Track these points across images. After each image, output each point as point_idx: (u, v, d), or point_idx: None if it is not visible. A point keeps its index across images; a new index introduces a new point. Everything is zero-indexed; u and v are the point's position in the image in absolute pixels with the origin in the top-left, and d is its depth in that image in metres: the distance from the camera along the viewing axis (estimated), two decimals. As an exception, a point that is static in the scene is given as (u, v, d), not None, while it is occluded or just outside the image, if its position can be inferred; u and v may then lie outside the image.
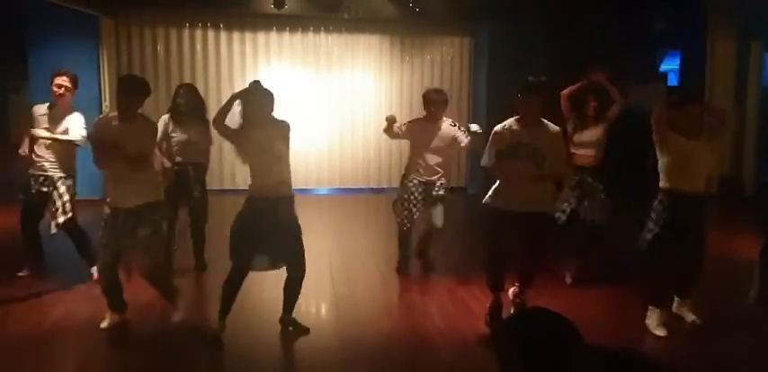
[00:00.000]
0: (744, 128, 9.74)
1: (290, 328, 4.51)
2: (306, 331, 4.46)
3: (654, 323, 4.49)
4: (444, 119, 5.64)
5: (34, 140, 5.42)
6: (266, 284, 4.90)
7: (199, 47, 9.92)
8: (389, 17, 9.72)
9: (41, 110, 5.59)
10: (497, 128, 4.38)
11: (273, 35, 10.11)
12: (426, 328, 4.59)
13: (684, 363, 4.03)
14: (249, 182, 4.25)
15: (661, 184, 4.49)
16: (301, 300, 5.07)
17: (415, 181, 5.61)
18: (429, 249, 6.02)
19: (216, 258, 5.54)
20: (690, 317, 4.65)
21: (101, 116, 4.62)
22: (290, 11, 9.19)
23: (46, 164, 5.41)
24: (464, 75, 10.54)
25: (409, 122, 5.88)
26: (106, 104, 8.95)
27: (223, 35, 9.98)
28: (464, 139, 5.57)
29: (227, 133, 4.15)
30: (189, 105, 5.62)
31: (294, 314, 4.61)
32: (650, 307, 4.53)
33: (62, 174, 5.41)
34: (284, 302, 4.51)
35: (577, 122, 5.49)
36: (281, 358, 4.35)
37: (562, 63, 9.41)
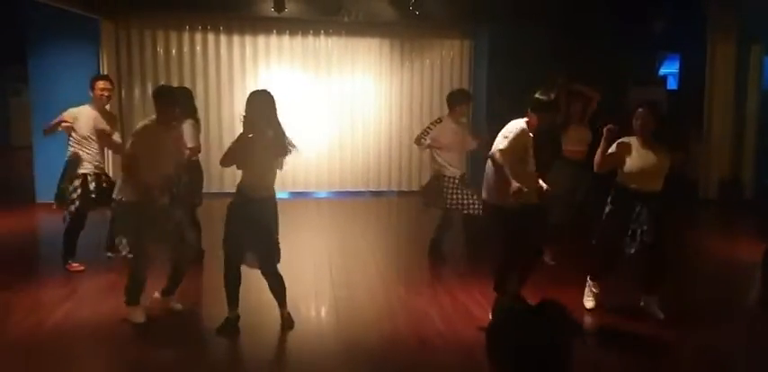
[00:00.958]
0: (744, 132, 9.75)
1: (280, 321, 4.60)
2: (290, 326, 4.56)
3: (586, 292, 4.97)
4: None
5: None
6: (266, 285, 4.88)
7: (199, 50, 9.92)
8: (389, 20, 9.72)
9: (87, 111, 5.70)
10: (517, 131, 4.46)
11: (273, 38, 10.11)
12: (427, 331, 4.57)
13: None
14: (239, 181, 4.48)
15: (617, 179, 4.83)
16: (302, 302, 5.09)
17: (458, 174, 6.19)
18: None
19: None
20: (656, 314, 4.80)
21: (146, 124, 4.68)
22: (291, 14, 9.18)
23: (97, 163, 5.86)
24: (464, 78, 10.54)
25: (438, 123, 6.41)
26: (107, 107, 8.90)
27: (223, 38, 9.98)
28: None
29: (235, 162, 4.41)
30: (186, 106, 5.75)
31: (293, 316, 4.64)
32: (588, 280, 4.98)
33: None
34: (275, 299, 4.62)
35: (564, 122, 6.09)
36: (282, 360, 4.34)
37: (562, 65, 9.44)
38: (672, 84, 11.24)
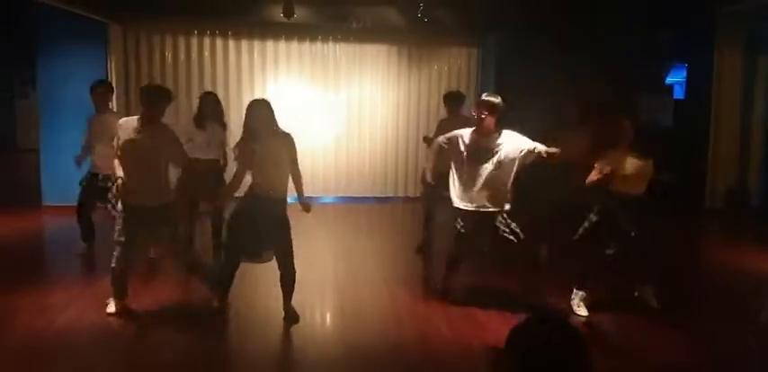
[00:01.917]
0: (750, 142, 9.74)
1: (283, 316, 4.72)
2: (295, 320, 4.70)
3: (576, 303, 5.05)
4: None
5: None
6: (274, 290, 4.88)
7: (207, 54, 9.95)
8: (397, 27, 9.75)
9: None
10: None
11: (282, 44, 10.14)
12: (432, 337, 4.56)
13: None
14: (249, 183, 4.68)
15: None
16: (307, 308, 5.09)
17: None
18: None
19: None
20: (651, 302, 5.12)
21: (121, 122, 4.81)
22: (299, 20, 9.22)
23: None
24: (471, 86, 10.55)
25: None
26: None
27: (231, 43, 10.01)
28: None
29: (241, 172, 4.69)
30: (208, 111, 6.56)
31: (300, 323, 4.69)
32: (574, 290, 5.09)
33: None
34: (283, 296, 4.77)
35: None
36: (287, 365, 4.33)
37: (569, 74, 9.45)
38: (678, 93, 11.23)
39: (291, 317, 4.74)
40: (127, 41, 9.67)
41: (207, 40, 9.94)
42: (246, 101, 9.83)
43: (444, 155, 5.15)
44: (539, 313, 4.39)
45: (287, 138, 4.66)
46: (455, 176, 5.07)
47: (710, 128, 9.58)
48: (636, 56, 9.68)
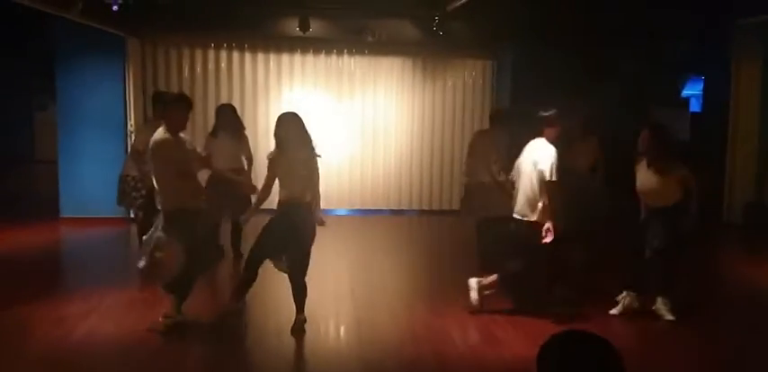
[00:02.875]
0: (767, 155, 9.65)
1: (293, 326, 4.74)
2: (298, 333, 4.71)
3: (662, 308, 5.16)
4: None
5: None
6: (289, 302, 4.87)
7: (224, 67, 10.03)
8: (413, 40, 9.79)
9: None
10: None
11: (297, 57, 10.20)
12: (449, 354, 4.53)
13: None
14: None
15: None
16: (322, 322, 5.07)
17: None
18: None
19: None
20: (666, 316, 5.13)
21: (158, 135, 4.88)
22: (315, 34, 9.30)
23: None
24: (486, 98, 10.54)
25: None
26: (131, 123, 9.05)
27: (248, 56, 10.09)
28: None
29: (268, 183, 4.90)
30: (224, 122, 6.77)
31: (314, 337, 4.65)
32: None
33: None
34: (295, 303, 4.80)
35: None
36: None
37: (585, 86, 9.44)
38: (695, 107, 11.18)
39: (295, 330, 4.73)
40: (145, 54, 9.77)
41: (224, 53, 10.02)
42: (262, 113, 10.05)
43: None
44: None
45: (313, 152, 4.84)
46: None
47: (728, 141, 9.50)
48: (652, 68, 9.66)
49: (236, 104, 9.95)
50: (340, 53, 10.28)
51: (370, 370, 4.26)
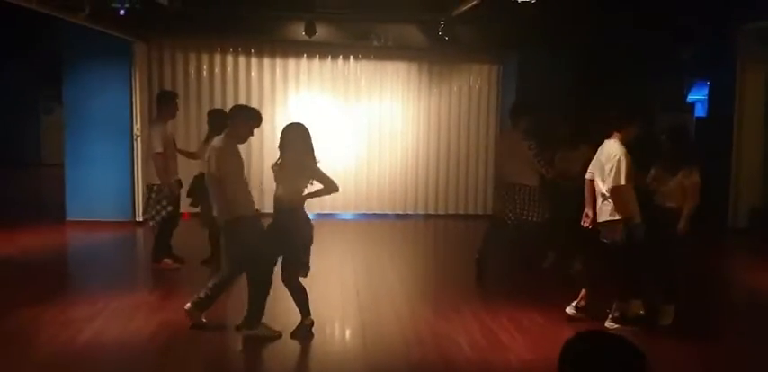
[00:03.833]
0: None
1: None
2: (307, 336, 4.72)
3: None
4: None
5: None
6: (293, 305, 4.88)
7: (230, 72, 10.07)
8: (418, 45, 9.80)
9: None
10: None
11: (304, 61, 10.23)
12: (455, 357, 4.52)
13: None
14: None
15: None
16: (328, 326, 5.07)
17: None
18: None
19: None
20: (664, 320, 5.15)
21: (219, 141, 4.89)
22: (321, 38, 9.32)
23: None
24: (492, 103, 10.56)
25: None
26: (138, 127, 9.08)
27: (254, 61, 10.12)
28: None
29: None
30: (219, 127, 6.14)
31: (320, 341, 4.65)
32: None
33: None
34: (297, 308, 4.84)
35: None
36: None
37: (591, 90, 9.44)
38: (700, 111, 11.15)
39: (301, 334, 4.74)
40: (151, 58, 9.81)
41: (230, 58, 10.06)
42: (268, 117, 10.05)
43: None
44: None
45: (306, 164, 4.76)
46: None
47: (733, 146, 9.49)
48: (657, 73, 9.65)
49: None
50: (346, 58, 10.30)
51: (376, 374, 4.26)
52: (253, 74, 10.12)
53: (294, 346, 4.68)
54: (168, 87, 9.88)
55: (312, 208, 10.11)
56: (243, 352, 4.64)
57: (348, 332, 5.17)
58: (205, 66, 10.01)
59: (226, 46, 10.00)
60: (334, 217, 10.26)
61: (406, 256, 8.04)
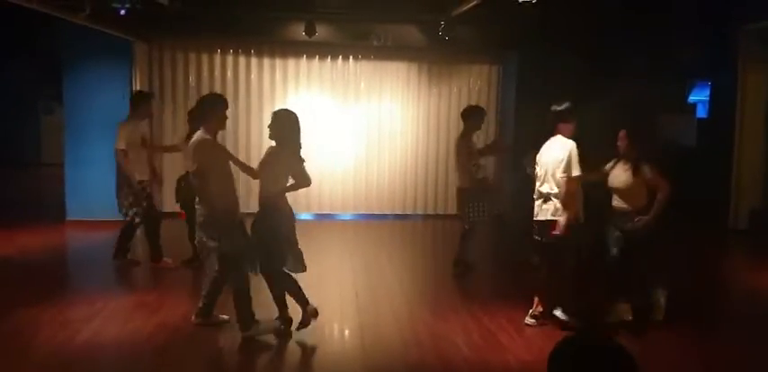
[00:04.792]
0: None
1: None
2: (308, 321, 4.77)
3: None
4: None
5: None
6: (295, 307, 4.87)
7: (230, 71, 10.06)
8: (418, 45, 9.80)
9: None
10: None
11: (303, 61, 10.23)
12: (453, 358, 4.51)
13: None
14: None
15: None
16: (326, 326, 5.06)
17: None
18: None
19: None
20: (626, 316, 5.12)
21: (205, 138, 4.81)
22: (321, 38, 9.31)
23: None
24: (491, 103, 10.54)
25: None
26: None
27: (254, 61, 10.12)
28: None
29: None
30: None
31: (318, 341, 4.68)
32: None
33: None
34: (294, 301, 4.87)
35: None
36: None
37: (591, 91, 9.41)
38: (702, 112, 11.13)
39: (304, 322, 4.80)
40: (152, 58, 9.81)
41: (230, 58, 10.06)
42: (268, 117, 10.00)
43: None
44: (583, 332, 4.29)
45: (280, 151, 4.72)
46: None
47: (734, 147, 9.47)
48: (658, 73, 9.63)
49: (241, 109, 10.03)
50: (346, 58, 10.30)
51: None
52: (253, 74, 10.12)
53: (292, 347, 4.68)
54: (168, 87, 9.90)
55: (311, 208, 10.18)
56: (241, 352, 4.63)
57: (346, 333, 5.16)
58: (205, 66, 10.01)
59: (226, 46, 10.00)
60: (333, 218, 10.26)
61: (404, 257, 8.03)
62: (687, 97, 11.26)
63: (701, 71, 10.29)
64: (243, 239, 4.78)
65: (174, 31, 9.36)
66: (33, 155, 16.18)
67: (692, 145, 10.33)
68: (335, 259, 7.33)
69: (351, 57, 10.29)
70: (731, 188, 9.48)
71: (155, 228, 6.66)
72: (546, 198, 4.95)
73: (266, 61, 10.15)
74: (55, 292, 5.80)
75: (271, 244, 4.68)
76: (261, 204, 4.76)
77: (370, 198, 10.46)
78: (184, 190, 6.26)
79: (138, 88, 9.19)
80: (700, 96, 11.17)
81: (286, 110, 4.88)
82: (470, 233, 6.63)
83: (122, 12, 7.28)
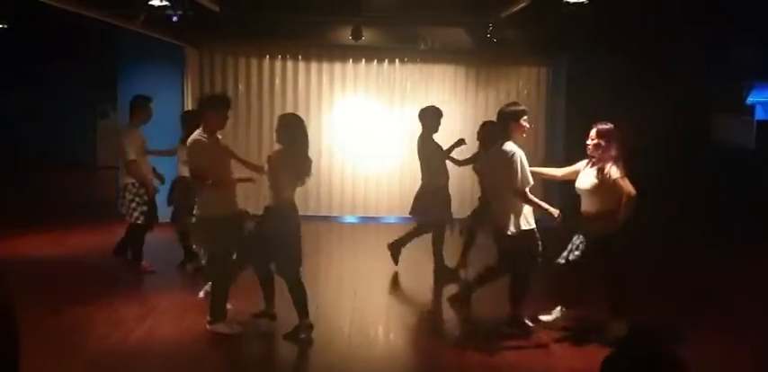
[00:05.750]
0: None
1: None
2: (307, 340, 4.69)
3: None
4: None
5: None
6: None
7: (278, 76, 10.18)
8: (465, 47, 9.72)
9: None
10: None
11: (350, 65, 10.27)
12: (499, 364, 4.45)
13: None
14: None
15: None
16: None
17: None
18: None
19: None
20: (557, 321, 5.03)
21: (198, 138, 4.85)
22: (368, 42, 9.32)
23: None
24: (541, 106, 10.38)
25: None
26: (188, 130, 9.23)
27: (301, 65, 10.21)
28: None
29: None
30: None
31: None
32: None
33: None
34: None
35: None
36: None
37: (644, 94, 9.20)
38: (761, 114, 10.75)
39: (289, 336, 4.74)
40: (203, 64, 10.00)
41: (278, 63, 10.17)
42: (314, 121, 10.11)
43: None
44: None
45: (286, 154, 4.75)
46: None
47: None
48: (715, 74, 9.35)
49: (287, 112, 10.12)
50: (392, 61, 10.29)
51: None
52: (300, 78, 10.20)
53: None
54: (218, 92, 10.06)
55: (356, 211, 10.19)
56: (295, 352, 4.65)
57: (389, 335, 5.14)
58: (254, 71, 10.15)
59: (274, 51, 10.12)
60: (378, 221, 10.23)
61: (452, 261, 7.95)
62: (745, 98, 10.90)
63: (760, 72, 9.95)
64: (235, 240, 4.80)
65: (224, 37, 9.52)
66: (89, 159, 16.64)
67: (751, 146, 9.99)
68: (378, 263, 7.29)
69: (397, 60, 10.28)
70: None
71: (143, 231, 6.68)
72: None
73: (313, 65, 10.23)
74: (108, 291, 5.94)
75: (283, 248, 4.70)
76: (269, 207, 4.77)
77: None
78: (177, 193, 6.46)
79: (189, 93, 9.38)
80: (760, 97, 10.80)
81: (292, 114, 5.08)
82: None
83: (175, 18, 7.44)
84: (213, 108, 4.85)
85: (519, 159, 4.71)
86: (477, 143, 7.03)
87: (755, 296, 6.11)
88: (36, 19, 8.68)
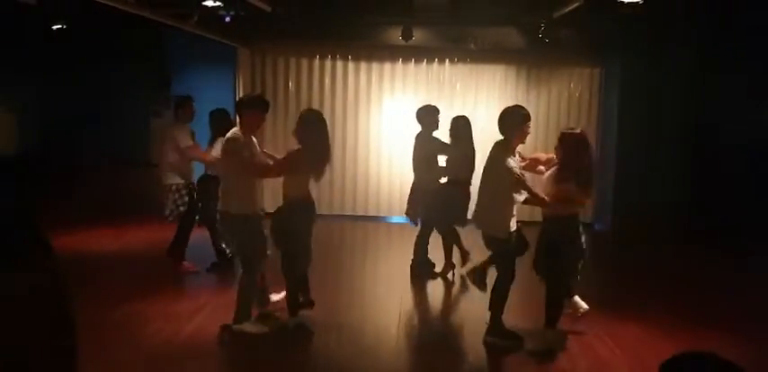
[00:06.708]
0: None
1: None
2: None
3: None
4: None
5: None
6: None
7: (328, 75, 10.24)
8: (516, 47, 9.62)
9: None
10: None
11: (399, 65, 10.27)
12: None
13: None
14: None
15: None
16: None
17: None
18: None
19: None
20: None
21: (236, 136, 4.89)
22: (417, 42, 9.31)
23: None
24: (593, 107, 10.19)
25: None
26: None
27: (351, 65, 10.25)
28: None
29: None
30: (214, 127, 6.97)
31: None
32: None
33: None
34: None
35: None
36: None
37: (699, 95, 8.95)
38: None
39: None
40: (254, 64, 10.15)
41: (328, 63, 10.24)
42: (363, 120, 10.14)
43: None
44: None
45: (304, 151, 4.81)
46: None
47: None
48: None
49: (337, 111, 10.18)
50: (442, 61, 10.25)
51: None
52: (350, 77, 10.25)
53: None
54: (270, 91, 10.19)
55: (393, 210, 10.18)
56: (347, 348, 4.67)
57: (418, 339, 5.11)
58: (304, 71, 10.25)
59: (324, 51, 10.19)
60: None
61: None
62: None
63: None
64: (257, 239, 4.83)
65: (275, 37, 9.64)
66: (143, 156, 17.01)
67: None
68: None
69: (447, 60, 10.23)
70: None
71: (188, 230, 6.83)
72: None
73: (363, 65, 10.26)
74: (161, 287, 6.08)
75: (293, 244, 4.81)
76: (286, 203, 4.87)
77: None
78: (201, 192, 6.61)
79: (241, 92, 9.53)
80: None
81: (311, 110, 5.16)
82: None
83: (227, 19, 7.57)
84: (251, 108, 4.90)
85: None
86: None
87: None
88: (93, 20, 8.90)
